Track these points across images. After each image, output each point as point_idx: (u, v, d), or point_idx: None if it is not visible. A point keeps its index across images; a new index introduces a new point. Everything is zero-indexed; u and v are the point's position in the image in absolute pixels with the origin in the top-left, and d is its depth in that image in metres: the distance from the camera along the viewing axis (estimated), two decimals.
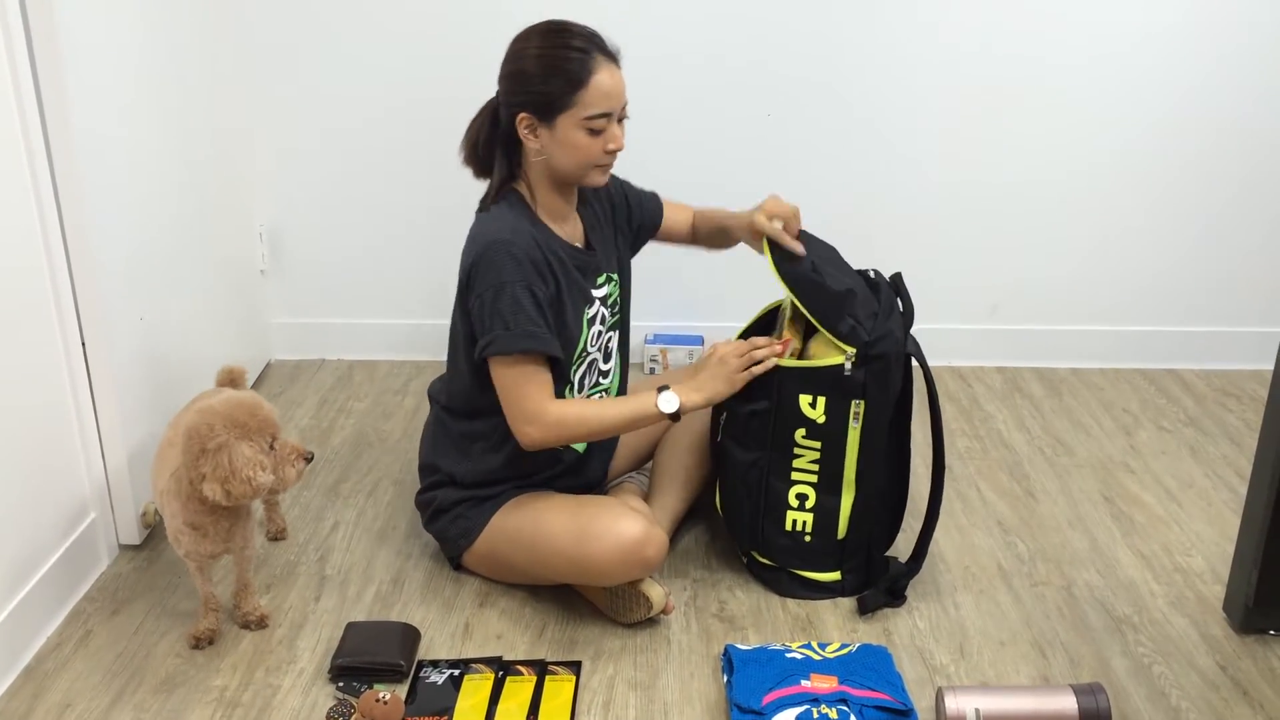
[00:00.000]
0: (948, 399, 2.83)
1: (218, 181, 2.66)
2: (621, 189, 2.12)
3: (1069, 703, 1.68)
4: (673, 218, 2.19)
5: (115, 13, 2.10)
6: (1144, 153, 2.87)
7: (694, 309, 2.96)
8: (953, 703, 1.68)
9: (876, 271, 2.09)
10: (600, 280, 2.03)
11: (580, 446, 2.07)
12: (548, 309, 1.86)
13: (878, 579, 2.02)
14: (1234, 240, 2.93)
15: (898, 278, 2.05)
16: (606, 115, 1.84)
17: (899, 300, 2.00)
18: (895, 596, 2.00)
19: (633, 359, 2.97)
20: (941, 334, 2.98)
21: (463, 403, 2.01)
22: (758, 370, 1.91)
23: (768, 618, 1.98)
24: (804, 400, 1.92)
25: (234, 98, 2.74)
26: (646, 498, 2.14)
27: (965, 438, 2.64)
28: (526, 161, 1.93)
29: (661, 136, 2.83)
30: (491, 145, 1.93)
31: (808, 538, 2.00)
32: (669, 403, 1.88)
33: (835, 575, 2.02)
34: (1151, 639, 1.93)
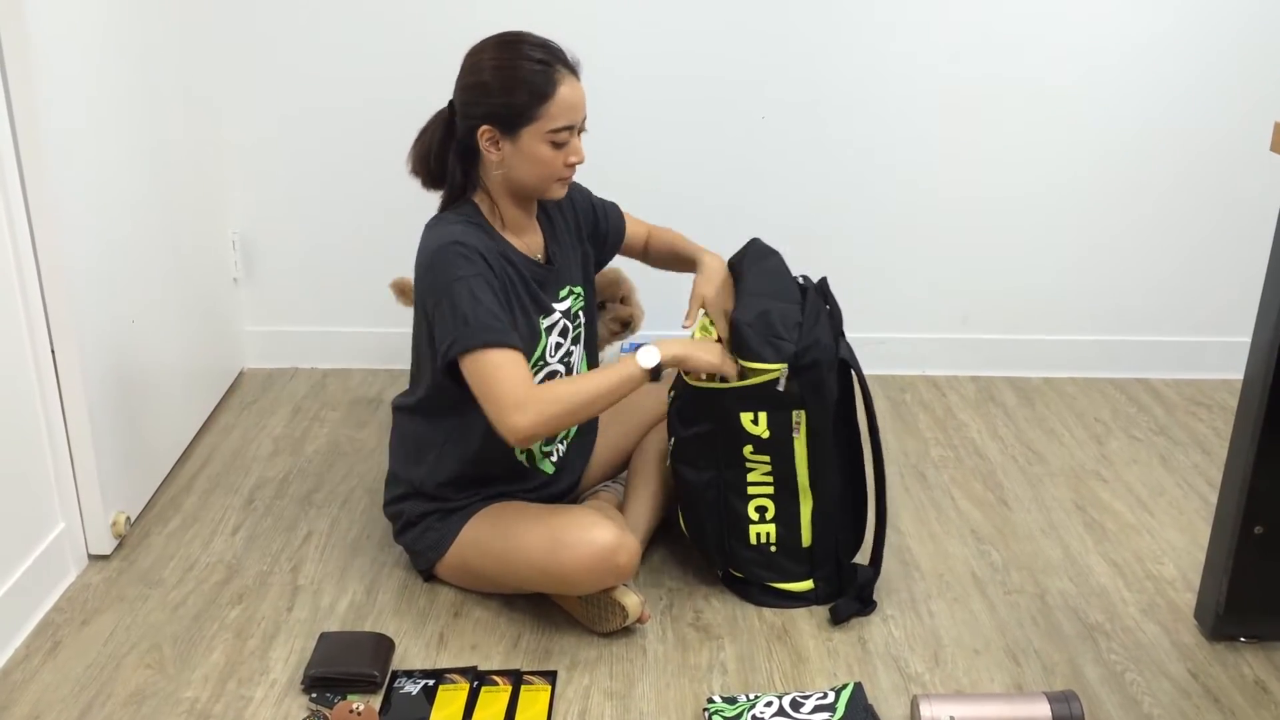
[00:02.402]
0: (922, 408, 2.85)
1: (190, 189, 2.64)
2: (586, 198, 2.12)
3: (1043, 710, 1.69)
4: (631, 233, 2.20)
5: (84, 20, 2.09)
6: (1117, 166, 2.90)
7: (669, 317, 2.96)
8: (928, 710, 1.68)
9: (805, 277, 2.09)
10: (563, 293, 2.02)
11: (548, 467, 2.06)
12: (503, 299, 1.85)
13: (849, 586, 2.02)
14: (1205, 252, 2.96)
15: (823, 283, 2.06)
16: (569, 128, 1.84)
17: (826, 305, 2.01)
18: (865, 604, 2.01)
19: (606, 366, 2.97)
20: (915, 343, 3.01)
21: (418, 409, 2.01)
22: (733, 371, 1.91)
23: (743, 626, 1.98)
24: (745, 418, 1.92)
25: (206, 105, 2.73)
26: (621, 507, 2.14)
27: (939, 446, 2.65)
28: (485, 174, 1.91)
29: (653, 144, 2.84)
30: (444, 156, 1.91)
31: (773, 549, 2.00)
32: (648, 356, 1.85)
33: (808, 584, 2.03)
34: (1123, 646, 1.94)
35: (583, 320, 2.09)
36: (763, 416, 1.92)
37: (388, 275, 2.70)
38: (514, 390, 1.79)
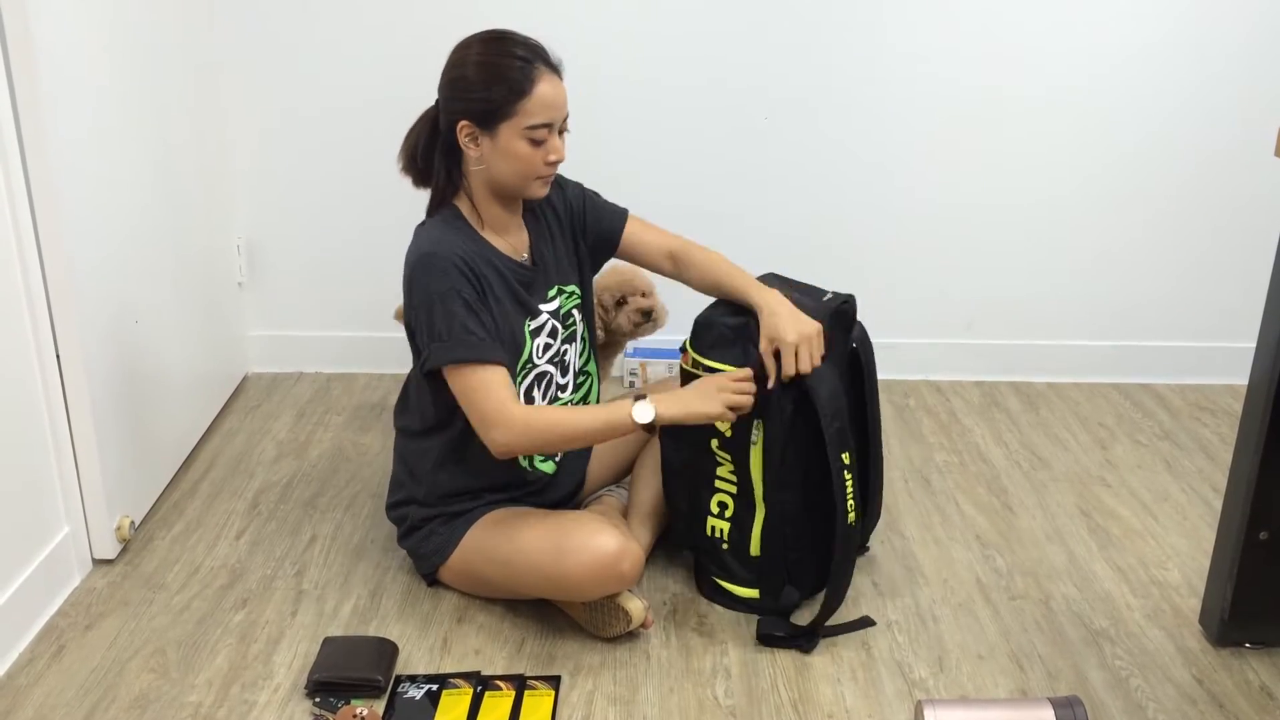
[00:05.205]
0: (925, 413, 2.84)
1: (196, 194, 2.65)
2: (582, 199, 2.08)
3: (1047, 716, 1.68)
4: (640, 239, 2.09)
5: (90, 24, 2.09)
6: (1121, 172, 2.89)
7: (674, 322, 2.97)
8: (932, 716, 1.68)
9: (835, 294, 2.02)
10: (551, 293, 2.01)
11: (549, 467, 2.06)
12: (484, 313, 1.85)
13: (781, 605, 1.99)
14: (1209, 257, 2.96)
15: (849, 303, 2.00)
16: (548, 126, 1.83)
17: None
18: (799, 638, 1.92)
19: (612, 372, 2.98)
20: (919, 348, 3.00)
21: (413, 428, 2.02)
22: (743, 401, 1.83)
23: (747, 631, 1.98)
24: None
25: (211, 109, 2.73)
26: (625, 511, 2.14)
27: (943, 452, 2.65)
28: (467, 171, 1.92)
29: (655, 146, 2.84)
30: (430, 154, 1.93)
31: (725, 546, 2.01)
32: (643, 412, 1.82)
33: (753, 592, 2.01)
34: (1128, 652, 1.94)
35: (577, 319, 2.08)
36: None
37: (392, 280, 2.68)
38: (493, 408, 1.82)
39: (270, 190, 2.89)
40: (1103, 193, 2.92)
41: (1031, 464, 2.60)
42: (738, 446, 1.94)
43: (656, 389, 2.29)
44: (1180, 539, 2.29)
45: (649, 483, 2.14)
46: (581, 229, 2.09)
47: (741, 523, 1.99)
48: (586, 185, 2.11)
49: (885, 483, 2.47)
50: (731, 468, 1.96)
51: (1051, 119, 2.84)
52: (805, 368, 1.84)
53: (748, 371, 1.87)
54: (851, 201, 2.92)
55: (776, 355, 1.86)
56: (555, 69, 1.85)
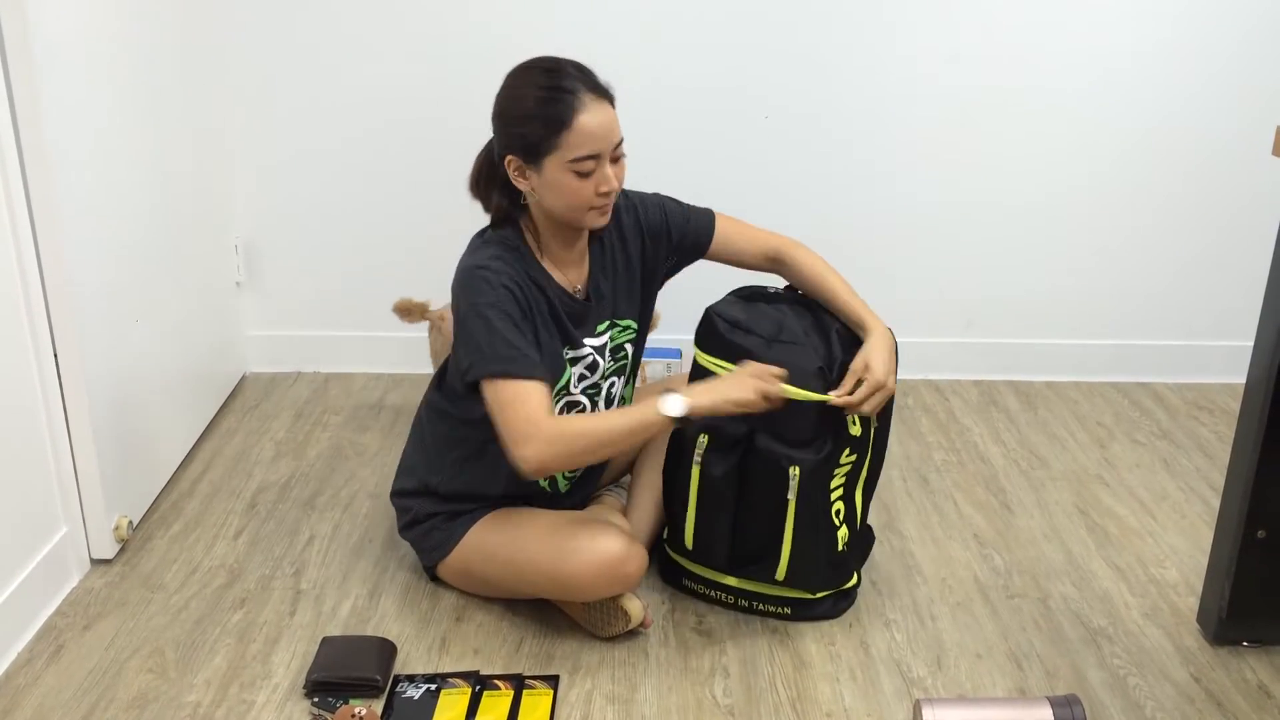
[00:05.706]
0: (924, 411, 2.85)
1: (194, 194, 2.65)
2: (662, 213, 2.00)
3: (1045, 715, 1.68)
4: (732, 241, 2.04)
5: (92, 27, 2.09)
6: (1119, 172, 2.90)
7: (672, 322, 2.97)
8: (930, 715, 1.68)
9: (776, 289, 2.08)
10: (601, 328, 1.96)
11: (563, 484, 2.05)
12: (527, 330, 1.80)
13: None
14: (1207, 256, 2.97)
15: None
16: (595, 157, 1.75)
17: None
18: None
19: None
20: (918, 347, 3.00)
21: (454, 413, 1.98)
22: (775, 391, 1.78)
23: (745, 630, 1.98)
24: (849, 422, 1.90)
25: (211, 110, 2.73)
26: (625, 511, 2.14)
27: (942, 451, 2.65)
28: (527, 199, 1.87)
29: (655, 147, 2.82)
30: (491, 182, 1.88)
31: (845, 549, 1.98)
32: (673, 405, 1.73)
33: (856, 578, 2.04)
34: (1126, 651, 1.94)
35: (628, 353, 2.02)
36: (857, 416, 1.90)
37: (390, 279, 2.71)
38: (524, 423, 1.73)
39: (268, 190, 2.89)
40: (1102, 192, 2.92)
41: (1030, 463, 2.60)
42: (866, 436, 1.93)
43: (653, 389, 2.29)
44: (1178, 538, 2.30)
45: (649, 483, 2.13)
46: (668, 244, 2.01)
47: (852, 508, 1.98)
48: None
49: (885, 481, 2.47)
50: (847, 469, 1.93)
51: (1051, 119, 2.85)
52: (868, 410, 1.86)
53: (780, 372, 1.82)
54: (851, 200, 2.92)
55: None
56: (603, 94, 1.77)
